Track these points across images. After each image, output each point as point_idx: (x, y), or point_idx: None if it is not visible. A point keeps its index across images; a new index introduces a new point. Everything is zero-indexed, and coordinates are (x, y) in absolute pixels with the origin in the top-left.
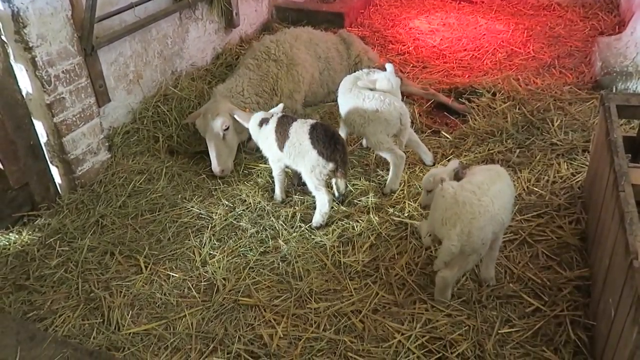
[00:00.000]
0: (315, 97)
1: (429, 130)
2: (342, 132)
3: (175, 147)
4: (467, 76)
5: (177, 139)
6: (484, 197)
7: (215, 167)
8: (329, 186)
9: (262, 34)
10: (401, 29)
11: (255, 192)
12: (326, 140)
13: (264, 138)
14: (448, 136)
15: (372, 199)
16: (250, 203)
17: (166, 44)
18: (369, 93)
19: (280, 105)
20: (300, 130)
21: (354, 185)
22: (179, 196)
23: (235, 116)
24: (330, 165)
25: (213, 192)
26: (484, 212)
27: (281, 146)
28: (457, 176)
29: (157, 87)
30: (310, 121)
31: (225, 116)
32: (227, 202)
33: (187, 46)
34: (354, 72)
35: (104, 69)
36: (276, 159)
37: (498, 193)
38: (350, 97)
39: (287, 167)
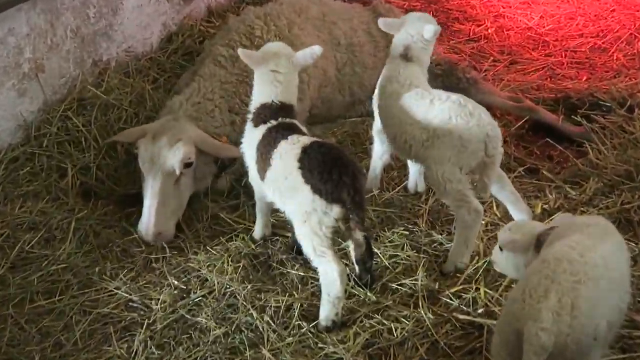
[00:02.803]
0: (329, 109)
1: (521, 168)
2: (379, 158)
3: (93, 186)
4: (585, 78)
5: (98, 172)
6: (588, 253)
7: (148, 227)
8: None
9: (243, 4)
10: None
11: (224, 264)
12: (325, 167)
13: (246, 147)
14: (553, 178)
15: (423, 282)
16: (214, 284)
17: (86, 16)
18: (439, 92)
19: None
20: (287, 154)
21: (391, 257)
22: (96, 270)
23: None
24: (335, 210)
25: (153, 264)
26: (595, 276)
27: (262, 173)
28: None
29: (67, 87)
30: (305, 139)
31: (190, 146)
32: (176, 282)
33: (119, 21)
34: None
35: None
36: (257, 185)
37: (611, 255)
38: (408, 97)
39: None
